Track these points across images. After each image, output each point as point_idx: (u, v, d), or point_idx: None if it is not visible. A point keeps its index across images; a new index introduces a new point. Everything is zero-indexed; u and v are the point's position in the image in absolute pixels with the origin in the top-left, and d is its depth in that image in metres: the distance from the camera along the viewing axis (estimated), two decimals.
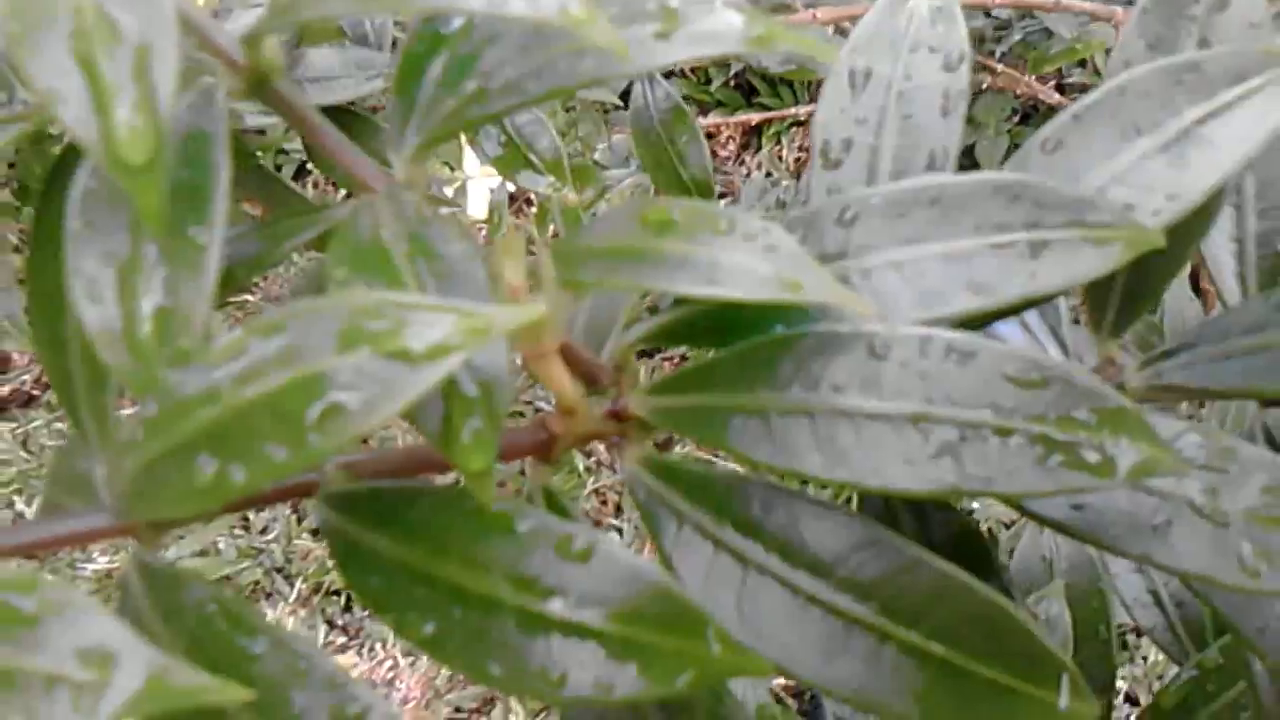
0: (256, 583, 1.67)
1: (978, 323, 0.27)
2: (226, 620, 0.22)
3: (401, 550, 0.23)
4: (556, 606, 0.21)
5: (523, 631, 0.21)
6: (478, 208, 1.38)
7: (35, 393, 1.95)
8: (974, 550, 0.28)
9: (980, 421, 0.22)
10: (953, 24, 0.29)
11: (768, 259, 0.22)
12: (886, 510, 0.29)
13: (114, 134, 0.19)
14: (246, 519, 1.74)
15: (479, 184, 1.34)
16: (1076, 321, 0.34)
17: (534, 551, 0.22)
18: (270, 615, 1.63)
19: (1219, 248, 0.31)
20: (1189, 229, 0.28)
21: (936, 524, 0.29)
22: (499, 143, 0.75)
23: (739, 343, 0.24)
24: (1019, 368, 0.23)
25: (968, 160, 1.79)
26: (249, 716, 0.21)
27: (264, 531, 1.74)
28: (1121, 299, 0.29)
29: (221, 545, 1.70)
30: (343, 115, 0.51)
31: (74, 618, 0.18)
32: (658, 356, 1.73)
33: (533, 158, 0.71)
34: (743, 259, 0.22)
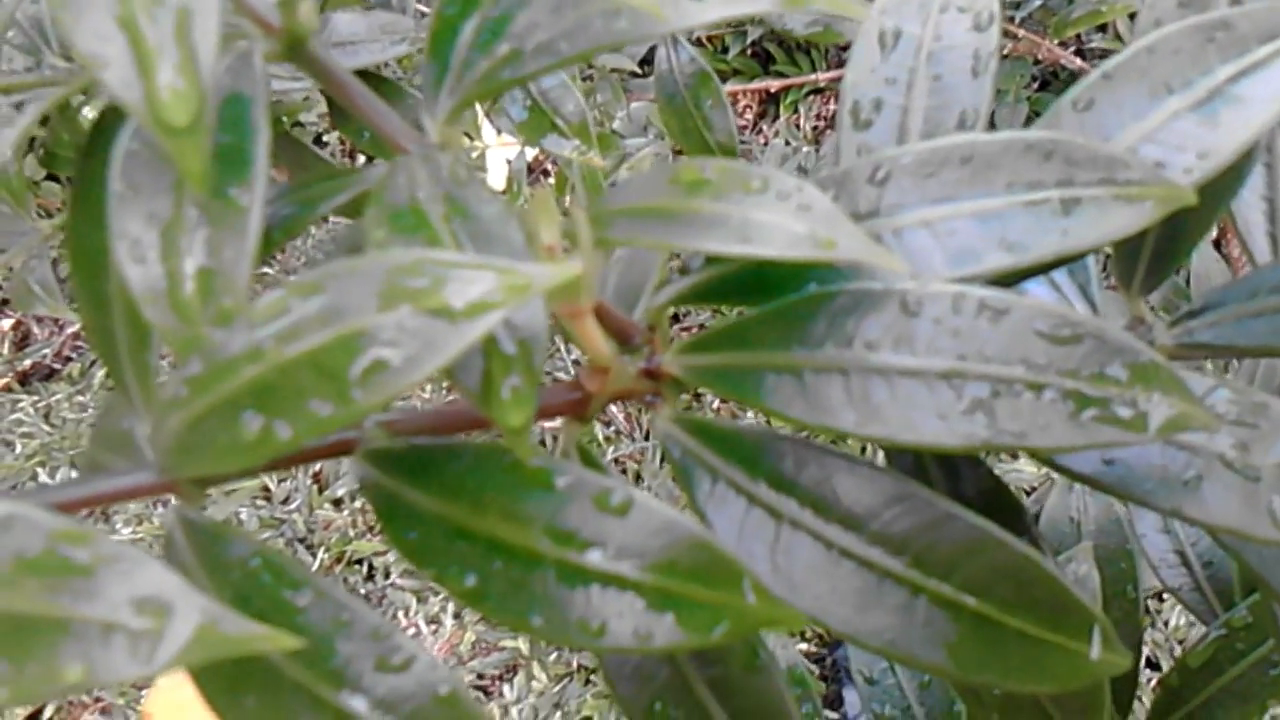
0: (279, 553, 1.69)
1: (1009, 281, 0.27)
2: (271, 573, 0.23)
3: (442, 505, 0.23)
4: (595, 558, 0.22)
5: (562, 583, 0.22)
6: (496, 178, 1.38)
7: (56, 366, 1.97)
8: (1005, 505, 0.29)
9: (1013, 377, 0.22)
10: None
11: (801, 217, 0.23)
12: (918, 466, 0.29)
13: (157, 96, 0.20)
14: (268, 490, 1.75)
15: (497, 154, 1.34)
16: (1106, 279, 0.34)
17: (572, 505, 0.22)
18: None
19: (1250, 207, 0.31)
20: (1220, 187, 0.28)
21: (968, 480, 0.29)
22: (524, 106, 0.75)
23: (772, 301, 0.25)
24: (1051, 324, 0.23)
25: (988, 126, 1.77)
26: (297, 666, 0.22)
27: (285, 502, 1.75)
28: (1151, 258, 0.29)
29: (244, 515, 1.72)
30: (369, 80, 0.51)
31: (128, 568, 0.18)
32: (678, 325, 1.73)
33: (559, 121, 0.72)
34: (776, 217, 0.23)
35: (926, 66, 0.29)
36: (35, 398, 1.90)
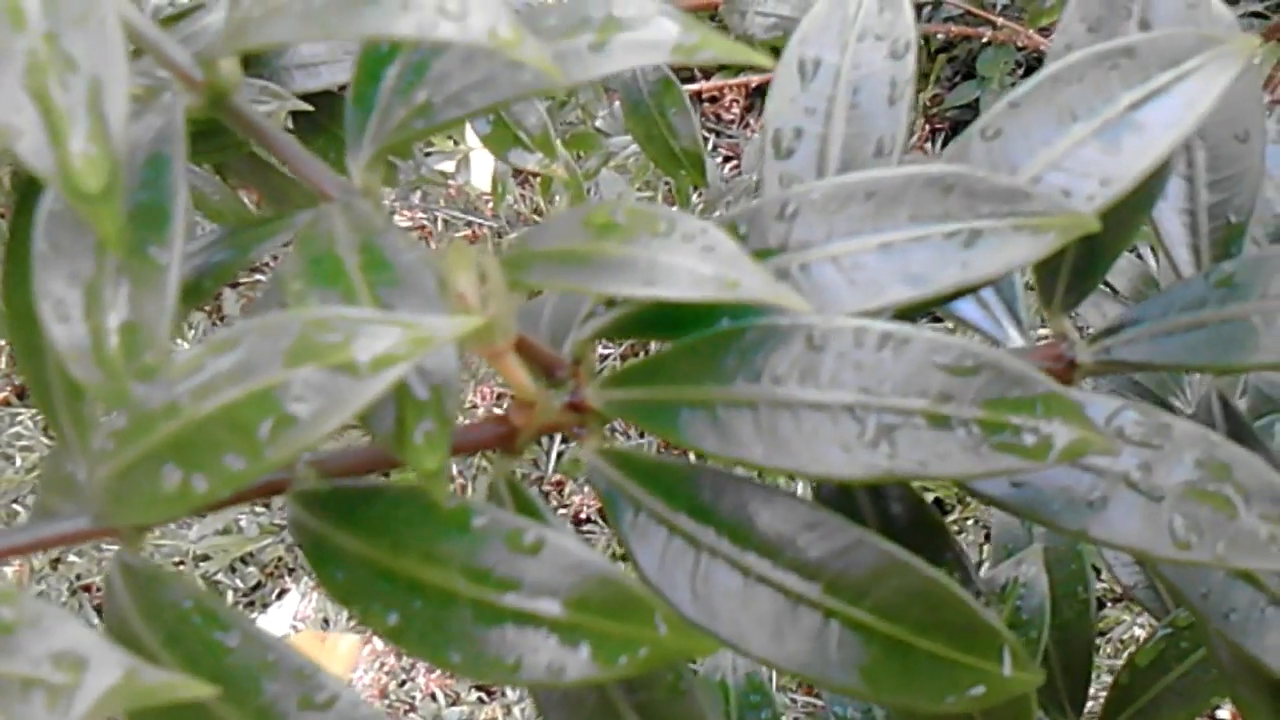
0: (279, 559, 1.70)
1: (920, 310, 0.28)
2: (202, 616, 0.24)
3: (364, 546, 0.24)
4: (510, 597, 0.22)
5: (479, 621, 0.23)
6: (481, 179, 1.39)
7: None
8: (927, 524, 0.29)
9: (914, 409, 0.23)
10: (899, 12, 0.30)
11: (706, 259, 0.23)
12: (843, 491, 0.30)
13: (70, 164, 0.21)
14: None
15: (482, 156, 1.34)
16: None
17: (488, 545, 0.23)
18: (294, 591, 1.65)
19: (1170, 220, 0.32)
20: (1134, 205, 0.29)
21: (893, 500, 0.30)
22: (488, 121, 0.76)
23: (687, 336, 0.26)
24: (951, 356, 0.24)
25: (972, 113, 1.78)
26: (226, 706, 0.23)
27: (285, 508, 1.76)
28: (1070, 275, 0.30)
29: (243, 523, 1.73)
30: (332, 101, 0.52)
31: (48, 626, 0.19)
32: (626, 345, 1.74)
33: (521, 135, 0.72)
34: (681, 260, 0.23)
35: (845, 95, 0.30)
36: (34, 411, 1.91)
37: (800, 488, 0.89)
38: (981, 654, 0.24)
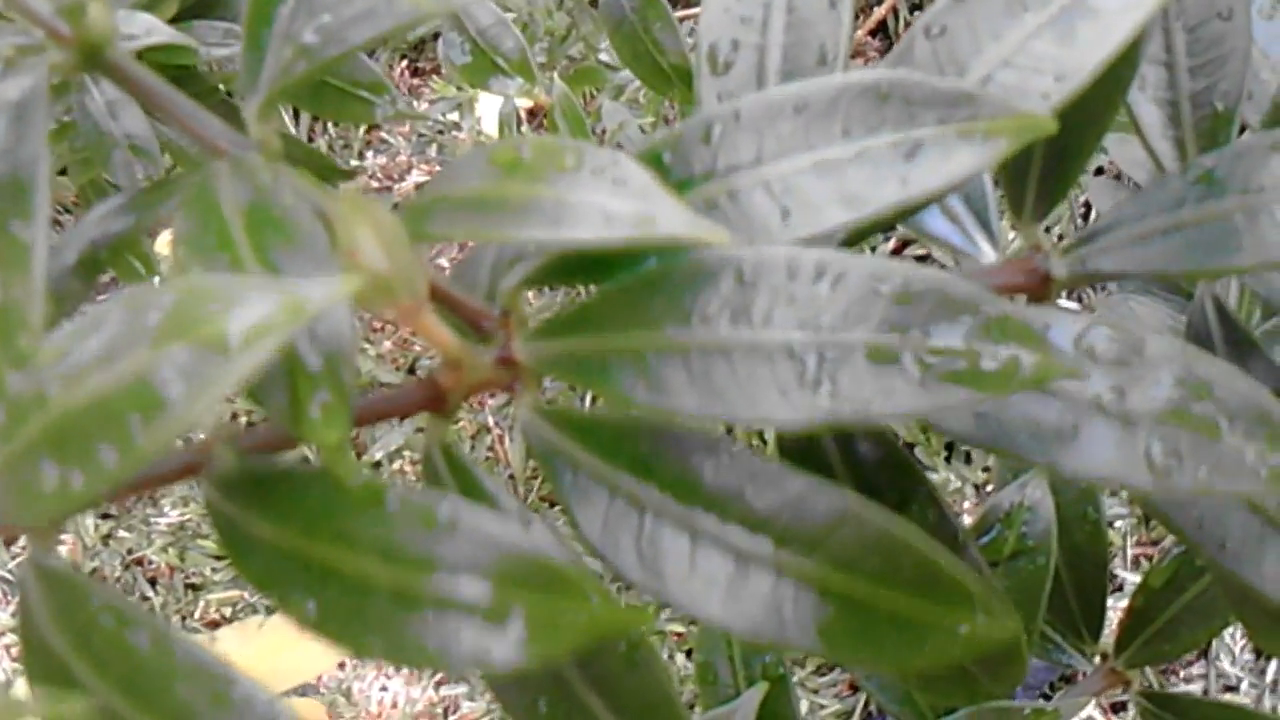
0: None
1: (877, 228, 0.26)
2: (113, 618, 0.23)
3: (277, 531, 0.23)
4: (428, 580, 0.21)
5: (398, 606, 0.21)
6: (490, 124, 1.36)
7: None
8: (896, 463, 0.28)
9: (854, 343, 0.22)
10: None
11: (617, 194, 0.22)
12: (811, 439, 0.28)
13: None
14: (306, 457, 1.76)
15: (489, 101, 1.31)
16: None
17: (400, 525, 0.22)
18: None
19: (1149, 112, 0.30)
20: (1102, 97, 0.27)
21: (859, 440, 0.28)
22: (465, 50, 0.74)
23: (613, 279, 0.24)
24: (894, 284, 0.22)
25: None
26: (131, 709, 0.22)
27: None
28: (1039, 183, 0.28)
29: None
30: None
31: None
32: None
33: (499, 61, 0.70)
34: (590, 196, 0.22)
35: (781, 0, 0.28)
36: None
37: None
38: (946, 604, 0.23)
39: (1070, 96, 0.24)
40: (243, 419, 1.38)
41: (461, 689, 1.48)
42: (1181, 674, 1.27)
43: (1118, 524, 1.29)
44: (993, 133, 0.23)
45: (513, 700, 0.26)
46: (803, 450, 0.28)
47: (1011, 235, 0.80)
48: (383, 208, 0.23)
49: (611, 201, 0.22)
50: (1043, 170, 0.28)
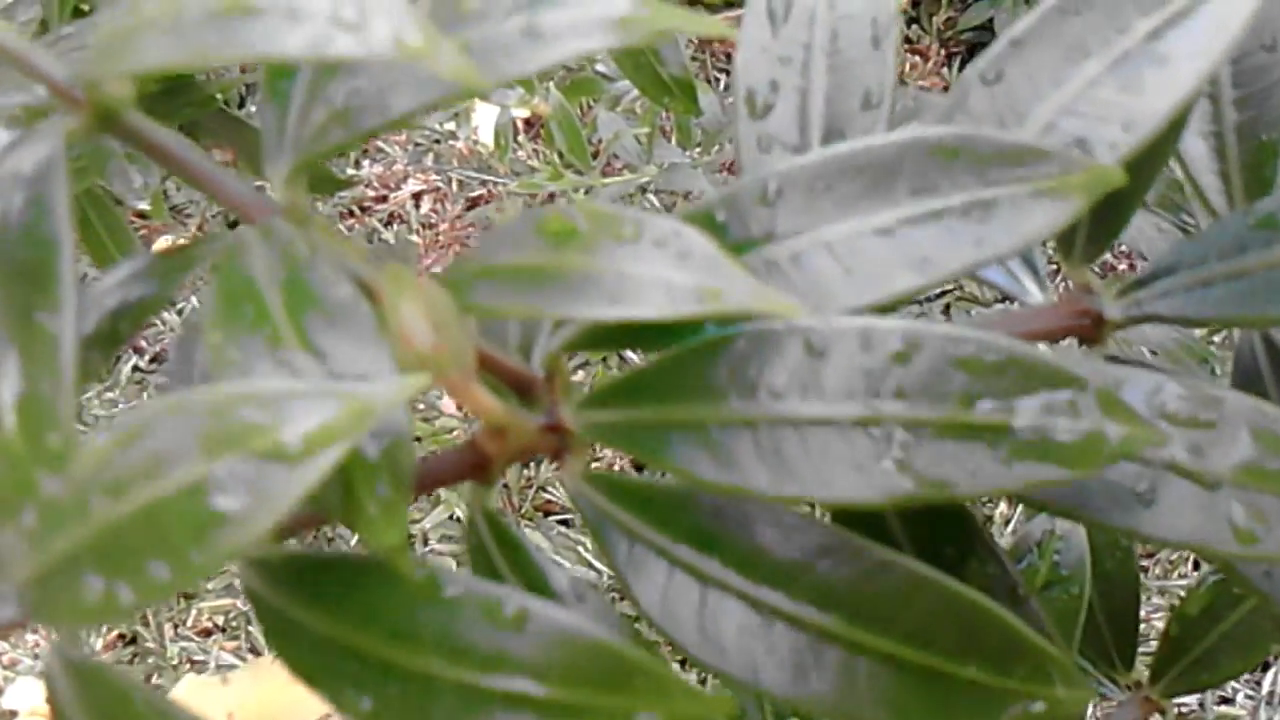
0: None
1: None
2: (150, 710, 0.22)
3: (328, 623, 0.22)
4: (495, 679, 0.20)
5: (463, 707, 0.20)
6: (486, 133, 1.34)
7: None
8: (951, 513, 0.27)
9: (932, 419, 0.21)
10: None
11: (681, 267, 0.21)
12: None
13: None
14: None
15: (486, 111, 1.29)
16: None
17: (464, 619, 0.21)
18: None
19: (1194, 145, 0.30)
20: (1160, 142, 0.26)
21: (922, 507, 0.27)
22: None
23: (670, 347, 0.23)
24: (970, 349, 0.21)
25: (990, 34, 1.71)
26: None
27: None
28: (1091, 225, 0.28)
29: None
30: None
31: None
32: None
33: None
34: (652, 270, 0.21)
35: (823, 40, 0.27)
36: None
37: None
38: (1027, 676, 0.22)
39: (1138, 146, 0.23)
40: None
41: None
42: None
43: None
44: (1064, 190, 0.22)
45: None
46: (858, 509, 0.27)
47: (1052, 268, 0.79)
48: (428, 282, 0.21)
49: (675, 275, 0.21)
50: (1094, 213, 0.27)
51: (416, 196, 1.81)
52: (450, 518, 1.47)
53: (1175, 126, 0.27)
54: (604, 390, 0.24)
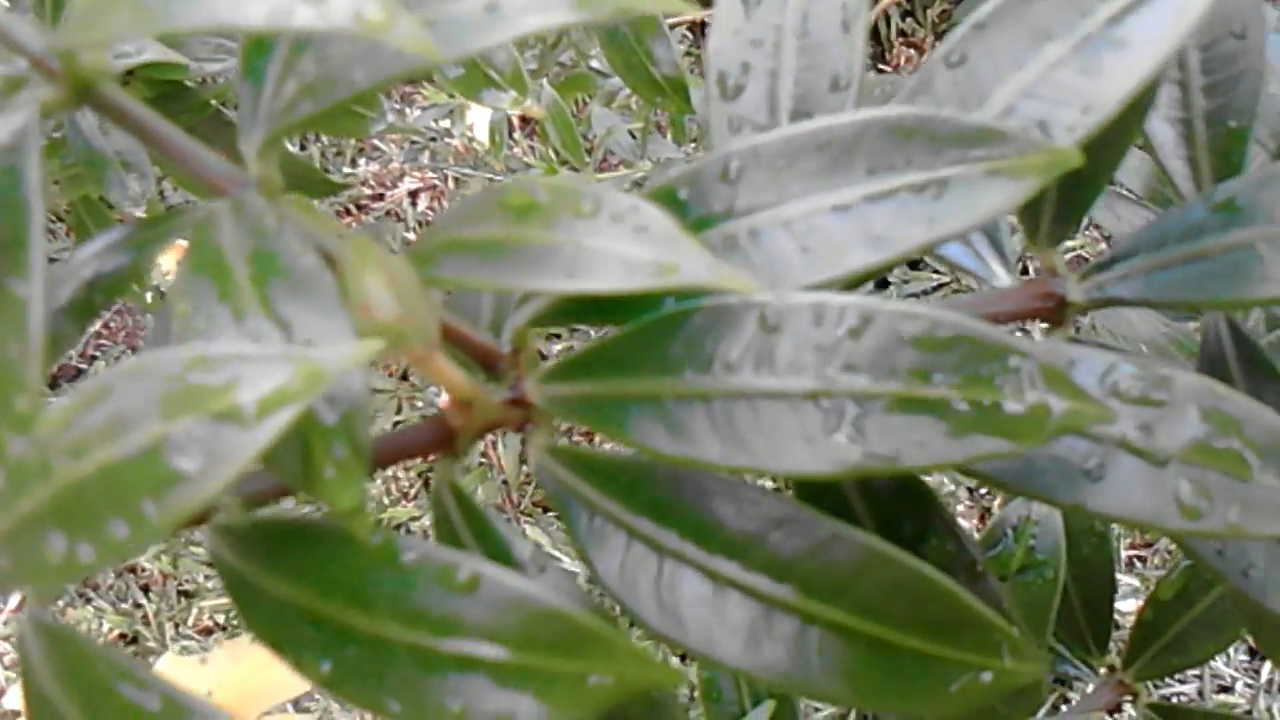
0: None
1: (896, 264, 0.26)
2: (118, 678, 0.22)
3: (290, 589, 0.22)
4: (449, 642, 0.21)
5: (418, 668, 0.21)
6: (481, 131, 1.35)
7: (83, 366, 1.96)
8: (913, 493, 0.28)
9: (883, 392, 0.21)
10: None
11: (638, 242, 0.21)
12: None
13: None
14: None
15: (481, 109, 1.29)
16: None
17: (420, 584, 0.21)
18: None
19: (1163, 131, 0.30)
20: (1123, 124, 0.26)
21: (879, 480, 0.28)
22: (456, 63, 0.73)
23: (630, 321, 0.24)
24: (921, 326, 0.22)
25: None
26: None
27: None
28: (1056, 208, 0.28)
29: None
30: None
31: None
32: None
33: (492, 74, 0.70)
34: (610, 244, 0.21)
35: (794, 23, 0.27)
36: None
37: None
38: (975, 648, 0.23)
39: (1097, 128, 0.24)
40: None
41: None
42: (1176, 675, 1.29)
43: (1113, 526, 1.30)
44: (1020, 170, 0.23)
45: None
46: (819, 483, 0.28)
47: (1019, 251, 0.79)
48: (392, 255, 0.22)
49: (632, 249, 0.21)
50: (1059, 195, 0.28)
51: (413, 194, 1.82)
52: None
53: (1138, 110, 0.27)
54: (565, 364, 0.25)
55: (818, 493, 0.27)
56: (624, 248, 0.21)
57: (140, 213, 0.62)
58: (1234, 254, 0.26)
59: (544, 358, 0.29)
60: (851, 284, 0.23)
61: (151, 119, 0.25)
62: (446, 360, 0.24)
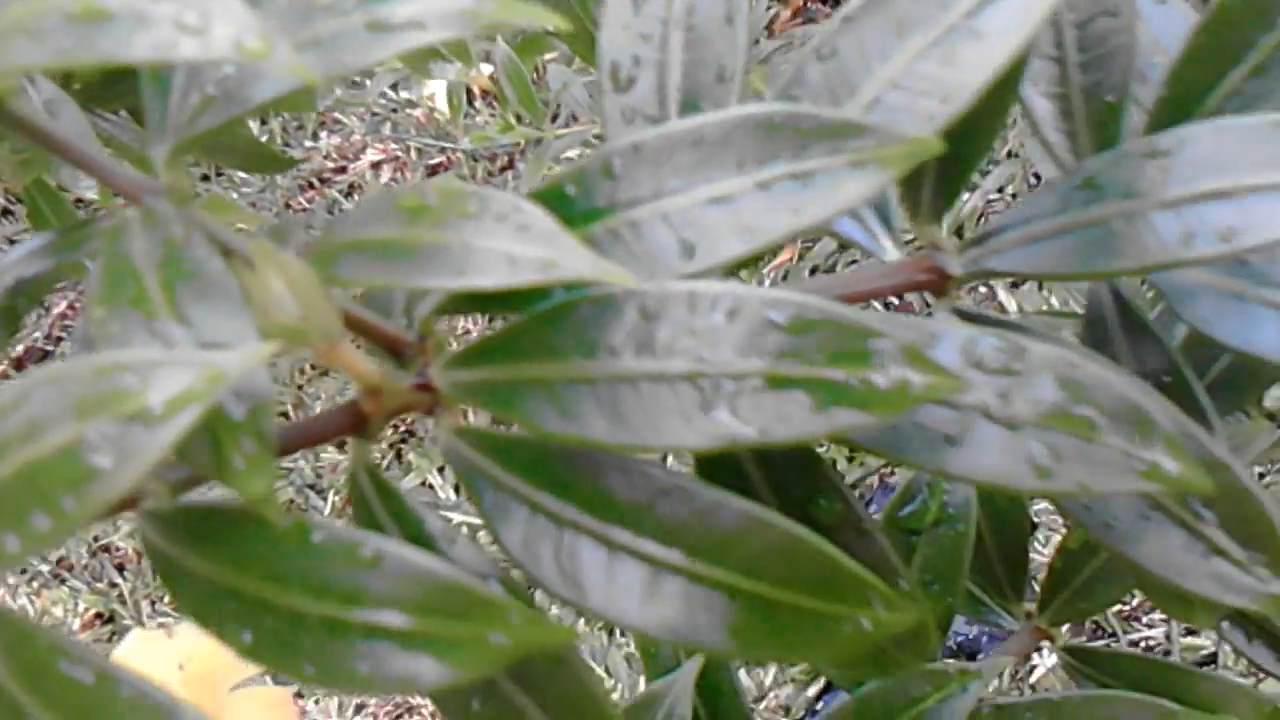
0: (291, 500, 1.70)
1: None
2: (57, 655, 0.24)
3: (211, 567, 0.24)
4: (355, 612, 0.23)
5: (328, 636, 0.23)
6: (442, 100, 1.36)
7: (49, 348, 1.96)
8: (804, 458, 0.30)
9: (751, 372, 0.24)
10: None
11: (520, 240, 0.23)
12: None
13: None
14: None
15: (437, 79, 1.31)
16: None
17: (328, 561, 0.23)
18: None
19: (1042, 106, 0.32)
20: (994, 101, 0.29)
21: (775, 453, 0.30)
22: None
23: (523, 311, 0.26)
24: (788, 313, 0.24)
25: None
26: None
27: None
28: (935, 184, 0.30)
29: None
30: None
31: None
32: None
33: (437, 45, 0.71)
34: (494, 243, 0.23)
35: (680, 16, 0.29)
36: None
37: None
38: (847, 601, 0.25)
39: (954, 117, 0.26)
40: None
41: None
42: (1145, 620, 1.33)
43: None
44: (882, 160, 0.25)
45: (447, 703, 0.28)
46: (717, 452, 0.30)
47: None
48: (292, 257, 0.24)
49: (515, 247, 0.23)
50: (937, 173, 0.30)
51: (375, 166, 1.83)
52: None
53: (1005, 93, 0.29)
54: (466, 352, 0.27)
55: (715, 461, 0.29)
56: (508, 246, 0.23)
57: (93, 194, 0.64)
58: (1094, 228, 0.28)
59: (468, 334, 0.31)
60: (729, 271, 0.26)
61: (63, 132, 0.27)
62: (353, 351, 0.26)
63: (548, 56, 1.12)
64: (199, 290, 0.24)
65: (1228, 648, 1.33)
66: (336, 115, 1.82)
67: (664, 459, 0.28)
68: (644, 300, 0.24)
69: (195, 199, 0.26)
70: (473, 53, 0.69)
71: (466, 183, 0.24)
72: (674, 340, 0.24)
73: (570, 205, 0.26)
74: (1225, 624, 0.35)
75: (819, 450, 0.30)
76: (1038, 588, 0.45)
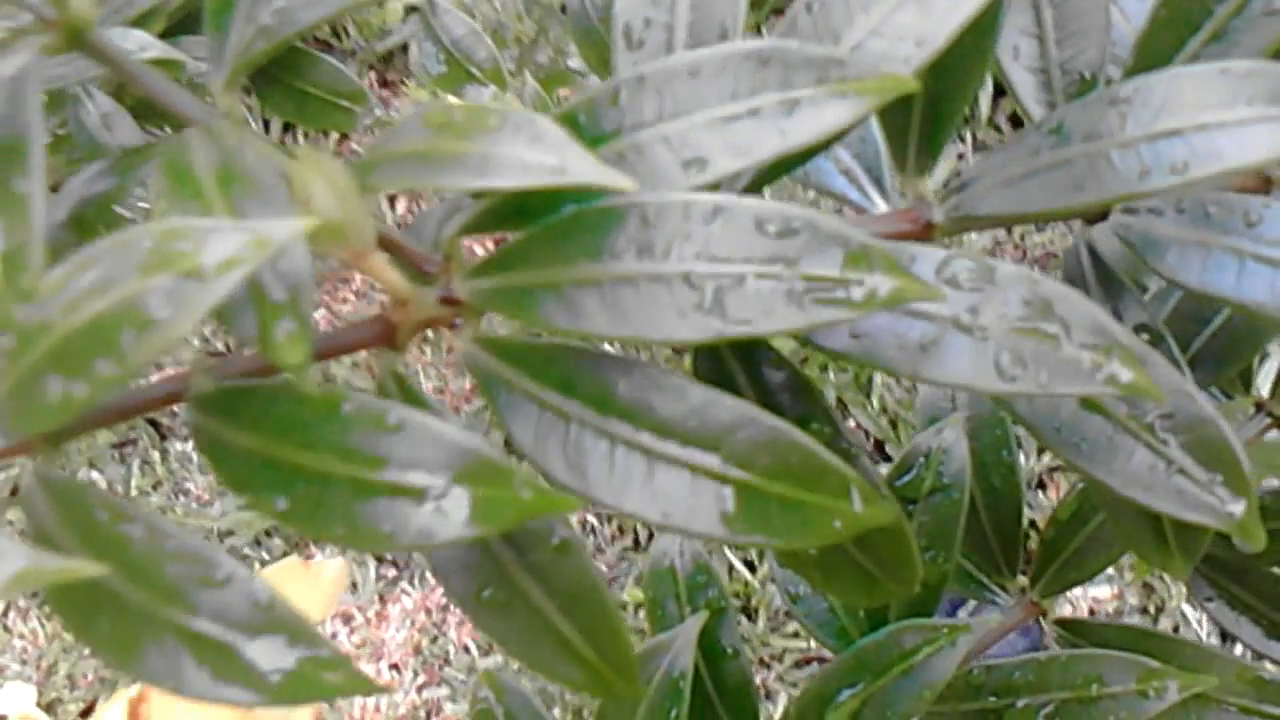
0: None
1: (790, 167, 0.31)
2: (109, 513, 0.27)
3: (250, 439, 0.27)
4: (381, 473, 0.26)
5: (355, 497, 0.26)
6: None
7: None
8: (798, 385, 0.33)
9: (740, 272, 0.27)
10: None
11: (534, 148, 0.27)
12: (721, 367, 0.33)
13: None
14: None
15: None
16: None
17: (356, 429, 0.26)
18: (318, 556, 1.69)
19: (1024, 80, 0.35)
20: (967, 60, 0.32)
21: (766, 367, 0.33)
22: (440, 60, 0.78)
23: (537, 223, 0.29)
24: (772, 220, 0.27)
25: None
26: (135, 589, 0.26)
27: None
28: (919, 139, 0.33)
29: None
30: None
31: None
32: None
33: (473, 70, 0.75)
34: (510, 150, 0.27)
35: None
36: None
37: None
38: (829, 492, 0.28)
39: (929, 60, 0.29)
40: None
41: (444, 691, 1.53)
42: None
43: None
44: (860, 92, 0.28)
45: (458, 588, 0.30)
46: (714, 375, 0.33)
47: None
48: (335, 162, 0.27)
49: (529, 154, 0.26)
50: (920, 129, 0.33)
51: (391, 199, 1.88)
52: None
53: (981, 50, 0.32)
54: (485, 263, 0.30)
55: (712, 384, 0.32)
56: (522, 153, 0.27)
57: (142, 204, 0.68)
58: (1061, 169, 0.31)
59: None
60: (717, 187, 0.29)
61: (135, 63, 0.30)
62: (383, 261, 0.29)
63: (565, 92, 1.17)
64: (250, 191, 0.27)
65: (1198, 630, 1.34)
66: (354, 146, 1.87)
67: None
68: (644, 209, 0.27)
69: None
70: (507, 78, 0.73)
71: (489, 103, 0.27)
72: (671, 244, 0.27)
73: (582, 131, 0.29)
74: (1195, 576, 0.38)
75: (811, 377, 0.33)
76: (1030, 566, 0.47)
